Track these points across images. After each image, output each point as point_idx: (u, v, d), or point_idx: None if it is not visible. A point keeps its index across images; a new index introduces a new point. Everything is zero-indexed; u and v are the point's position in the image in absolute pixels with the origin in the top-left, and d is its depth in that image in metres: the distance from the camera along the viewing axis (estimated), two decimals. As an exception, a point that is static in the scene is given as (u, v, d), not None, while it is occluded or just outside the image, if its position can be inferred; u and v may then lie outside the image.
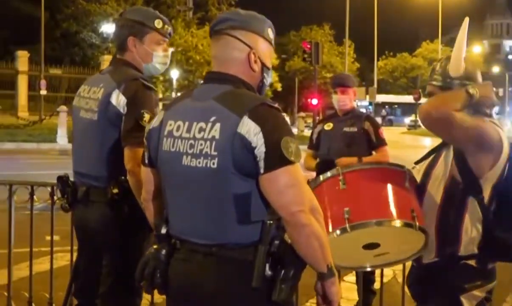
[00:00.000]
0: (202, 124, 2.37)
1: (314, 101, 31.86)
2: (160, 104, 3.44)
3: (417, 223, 2.92)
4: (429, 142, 25.29)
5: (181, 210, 2.45)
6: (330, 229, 2.89)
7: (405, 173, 3.08)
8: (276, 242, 2.32)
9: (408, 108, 62.23)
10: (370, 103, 49.45)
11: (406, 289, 3.47)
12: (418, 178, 3.14)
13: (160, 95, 39.60)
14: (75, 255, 3.95)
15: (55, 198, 4.63)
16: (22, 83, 39.11)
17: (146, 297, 4.52)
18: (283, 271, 2.32)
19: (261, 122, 2.30)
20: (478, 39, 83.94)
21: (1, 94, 37.75)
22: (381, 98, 61.10)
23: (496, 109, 3.07)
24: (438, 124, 2.87)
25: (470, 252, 2.96)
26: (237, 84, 2.44)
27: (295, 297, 2.61)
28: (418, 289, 3.20)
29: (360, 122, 5.55)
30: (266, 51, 2.53)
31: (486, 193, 2.93)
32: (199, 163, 2.35)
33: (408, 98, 60.23)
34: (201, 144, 2.35)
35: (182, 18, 49.67)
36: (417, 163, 3.23)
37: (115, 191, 3.31)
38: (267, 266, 2.31)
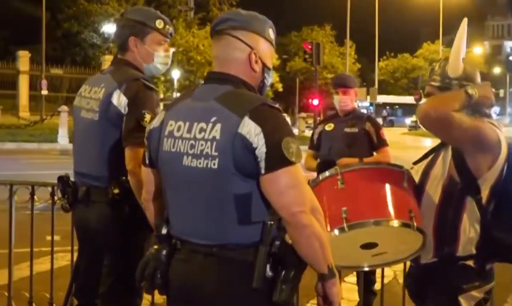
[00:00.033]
0: (203, 124, 2.36)
1: (315, 102, 31.85)
2: (161, 105, 3.44)
3: (415, 223, 2.93)
4: (430, 143, 25.23)
5: (182, 210, 2.44)
6: (328, 229, 2.89)
7: (404, 173, 3.08)
8: (277, 242, 2.32)
9: (409, 109, 62.13)
10: (371, 104, 49.51)
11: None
12: (417, 178, 3.15)
13: (161, 96, 39.63)
14: (75, 255, 3.95)
15: (55, 198, 4.63)
16: (23, 83, 39.14)
17: (146, 298, 4.52)
18: (283, 272, 2.31)
19: (262, 122, 2.29)
20: (479, 40, 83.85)
21: (2, 94, 37.77)
22: (382, 99, 61.09)
23: (497, 110, 3.08)
24: (436, 124, 2.87)
25: (468, 253, 2.97)
26: (238, 85, 2.44)
27: (295, 298, 2.60)
28: (416, 289, 3.21)
29: (361, 123, 5.54)
30: (267, 52, 2.53)
31: (484, 194, 2.94)
32: (200, 163, 2.34)
33: (409, 99, 60.20)
34: (202, 145, 2.35)
35: (183, 18, 49.75)
36: (415, 163, 3.24)
37: (116, 191, 3.31)
38: (268, 266, 2.31)
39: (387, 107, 68.17)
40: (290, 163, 2.28)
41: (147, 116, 3.22)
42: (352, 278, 6.09)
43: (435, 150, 3.15)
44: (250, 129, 2.29)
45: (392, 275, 6.34)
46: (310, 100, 37.51)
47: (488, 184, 2.93)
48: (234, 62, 2.47)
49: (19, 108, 37.65)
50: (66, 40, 48.85)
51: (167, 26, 3.54)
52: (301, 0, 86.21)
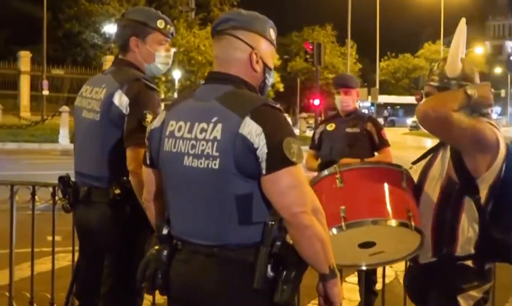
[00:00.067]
0: (204, 124, 2.36)
1: (316, 102, 31.84)
2: (162, 105, 3.44)
3: (413, 223, 2.94)
4: (431, 143, 25.13)
5: (183, 211, 2.44)
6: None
7: (402, 173, 3.09)
8: (278, 243, 2.32)
9: (410, 109, 62.07)
10: (372, 104, 49.49)
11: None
12: (416, 177, 3.15)
13: (162, 96, 39.61)
14: (76, 255, 3.95)
15: (56, 198, 4.63)
16: (25, 83, 39.17)
17: (147, 298, 4.52)
18: (284, 272, 2.31)
19: (263, 123, 2.29)
20: (480, 40, 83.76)
21: (3, 94, 37.79)
22: (383, 99, 61.11)
23: (498, 110, 3.08)
24: (435, 124, 2.87)
25: (467, 252, 2.97)
26: (239, 85, 2.44)
27: (296, 298, 2.60)
28: (415, 289, 3.21)
29: (362, 123, 5.54)
30: (268, 52, 2.53)
31: (483, 194, 2.94)
32: (201, 163, 2.34)
33: (410, 99, 60.25)
34: (203, 145, 2.34)
35: (184, 19, 49.76)
36: (414, 162, 3.24)
37: (117, 191, 3.30)
38: (269, 267, 2.31)
39: (388, 107, 68.18)
40: (291, 163, 2.28)
41: (149, 117, 3.22)
42: (353, 278, 6.08)
43: (433, 150, 3.16)
44: (251, 130, 2.28)
45: (393, 275, 6.34)
46: (311, 101, 37.49)
47: (486, 184, 2.93)
48: (235, 62, 2.47)
49: (20, 109, 37.69)
50: (67, 40, 48.85)
51: (168, 26, 3.53)
52: (302, 0, 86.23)
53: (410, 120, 59.55)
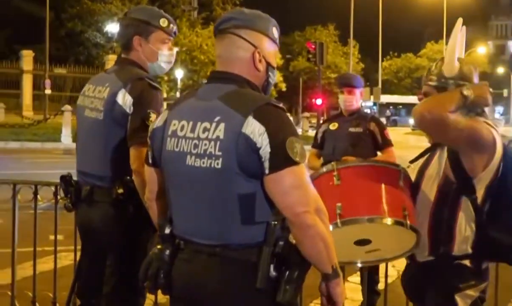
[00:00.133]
0: (207, 124, 2.35)
1: (319, 102, 31.86)
2: (165, 104, 3.44)
3: (408, 222, 2.95)
4: (434, 143, 25.21)
5: (185, 210, 2.43)
6: None
7: (400, 171, 3.11)
8: (281, 242, 2.31)
9: (412, 109, 62.05)
10: (375, 104, 49.39)
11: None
12: (413, 176, 3.16)
13: (164, 95, 39.59)
14: (79, 254, 3.95)
15: (59, 197, 4.63)
16: (27, 82, 39.24)
17: (150, 297, 4.52)
18: (287, 272, 2.31)
19: (266, 122, 2.28)
20: (483, 40, 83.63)
21: (6, 93, 37.85)
22: (385, 98, 61.03)
23: (500, 109, 3.08)
24: (432, 126, 2.89)
25: (464, 252, 2.98)
26: (242, 84, 2.43)
27: (299, 298, 2.59)
28: (413, 288, 3.22)
29: (365, 122, 5.54)
30: (271, 51, 2.52)
31: (480, 193, 2.94)
32: (203, 163, 2.33)
33: (413, 99, 60.07)
34: (205, 145, 2.34)
35: (187, 18, 49.75)
36: (412, 161, 3.25)
37: (120, 191, 3.30)
38: (272, 267, 2.30)
39: (391, 107, 68.13)
40: (294, 163, 2.27)
41: (152, 116, 3.22)
42: (355, 278, 6.08)
43: (431, 149, 3.16)
44: (254, 129, 2.28)
45: (395, 275, 6.31)
46: (313, 100, 37.51)
47: (483, 183, 2.93)
48: (237, 61, 2.46)
49: (23, 108, 37.76)
50: (69, 39, 48.94)
51: (171, 25, 3.53)
52: (305, 0, 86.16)
53: (412, 120, 59.53)
